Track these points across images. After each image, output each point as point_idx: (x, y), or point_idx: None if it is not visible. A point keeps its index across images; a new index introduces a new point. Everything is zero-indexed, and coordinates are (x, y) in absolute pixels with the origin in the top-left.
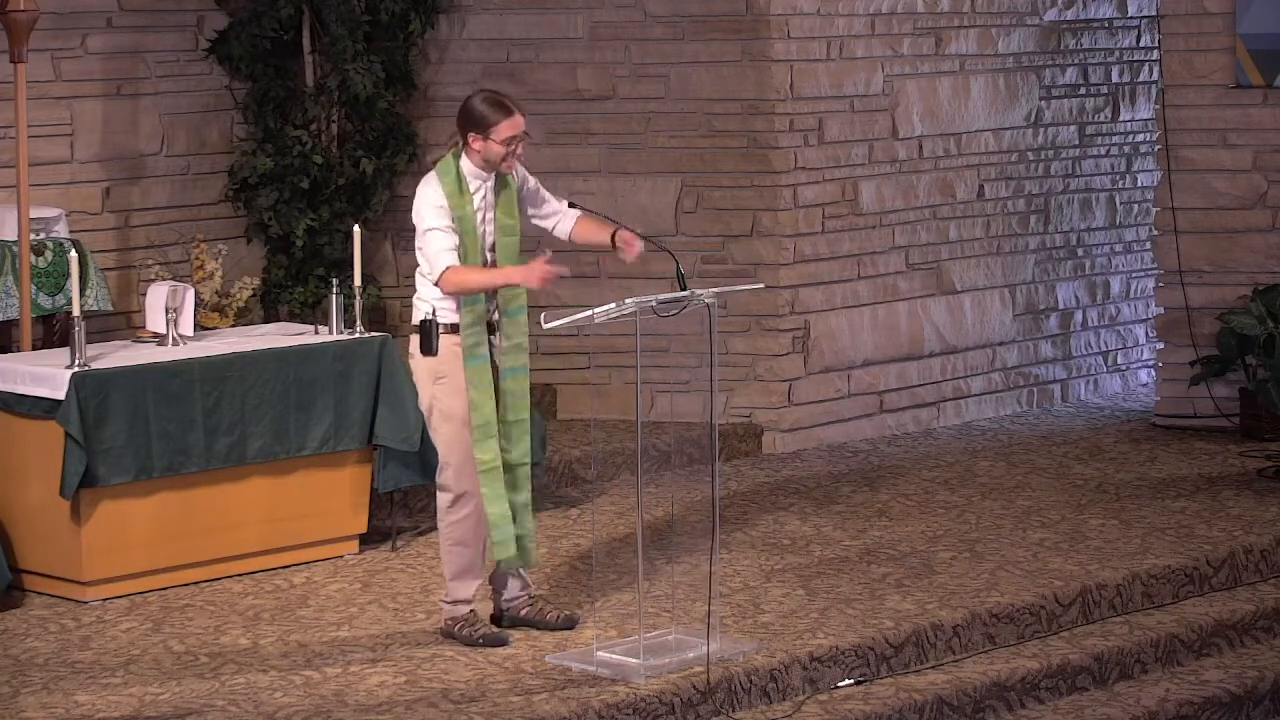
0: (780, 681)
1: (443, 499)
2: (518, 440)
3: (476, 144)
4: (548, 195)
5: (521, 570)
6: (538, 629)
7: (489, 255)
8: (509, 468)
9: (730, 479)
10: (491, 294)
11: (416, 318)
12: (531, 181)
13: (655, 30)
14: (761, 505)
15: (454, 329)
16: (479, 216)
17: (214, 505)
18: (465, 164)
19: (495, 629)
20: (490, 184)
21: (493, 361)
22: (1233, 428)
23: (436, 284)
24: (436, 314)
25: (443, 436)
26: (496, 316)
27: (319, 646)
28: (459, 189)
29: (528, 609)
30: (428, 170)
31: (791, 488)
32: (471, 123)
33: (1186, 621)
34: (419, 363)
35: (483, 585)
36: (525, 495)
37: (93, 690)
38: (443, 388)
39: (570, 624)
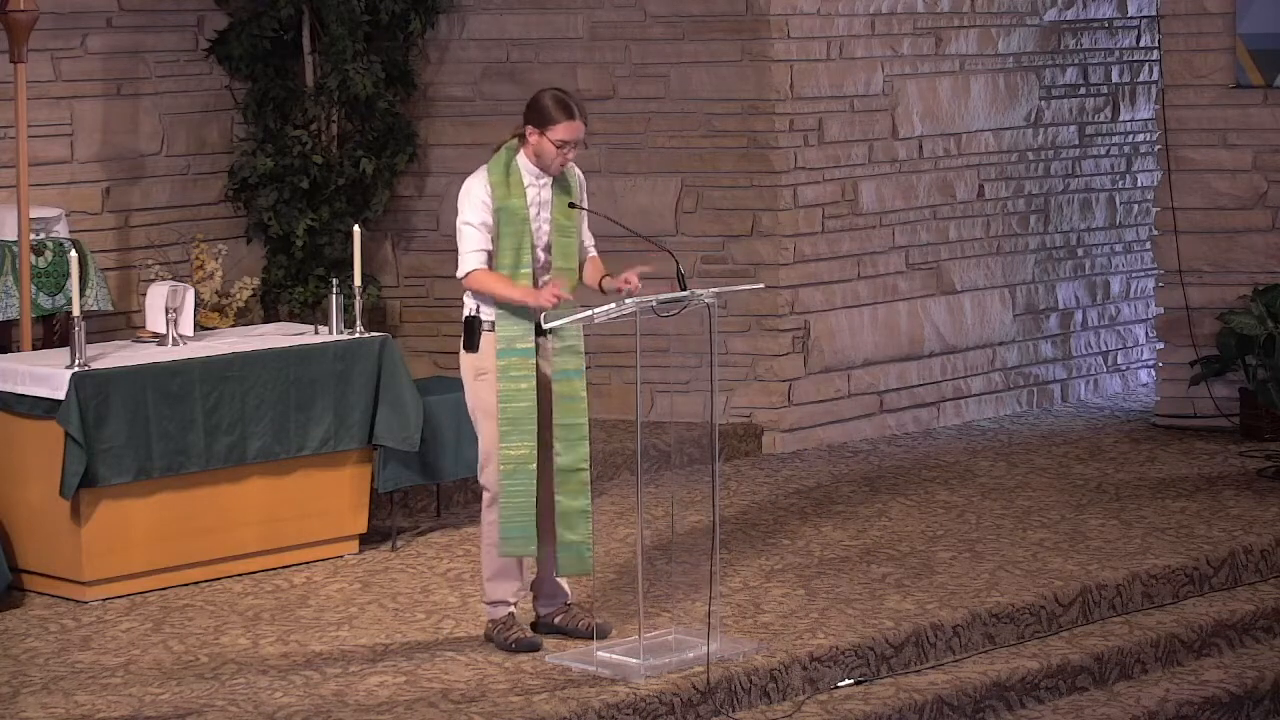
0: (780, 681)
1: (484, 498)
2: (573, 445)
3: (533, 137)
4: (586, 229)
5: (560, 579)
6: (570, 637)
7: (543, 254)
8: (565, 472)
9: (730, 479)
10: None
11: (463, 314)
12: (586, 203)
13: (655, 30)
14: (761, 505)
15: (496, 328)
16: (532, 212)
17: (214, 505)
18: (521, 159)
19: (530, 634)
20: (546, 182)
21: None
22: (1233, 428)
23: (462, 281)
24: (480, 311)
25: (483, 434)
26: (542, 317)
27: (319, 646)
28: (506, 181)
29: (562, 616)
30: (428, 170)
31: (791, 488)
32: (534, 116)
33: (1186, 621)
34: (463, 359)
35: (522, 589)
36: (583, 501)
37: (93, 690)
38: (483, 384)
39: (602, 634)
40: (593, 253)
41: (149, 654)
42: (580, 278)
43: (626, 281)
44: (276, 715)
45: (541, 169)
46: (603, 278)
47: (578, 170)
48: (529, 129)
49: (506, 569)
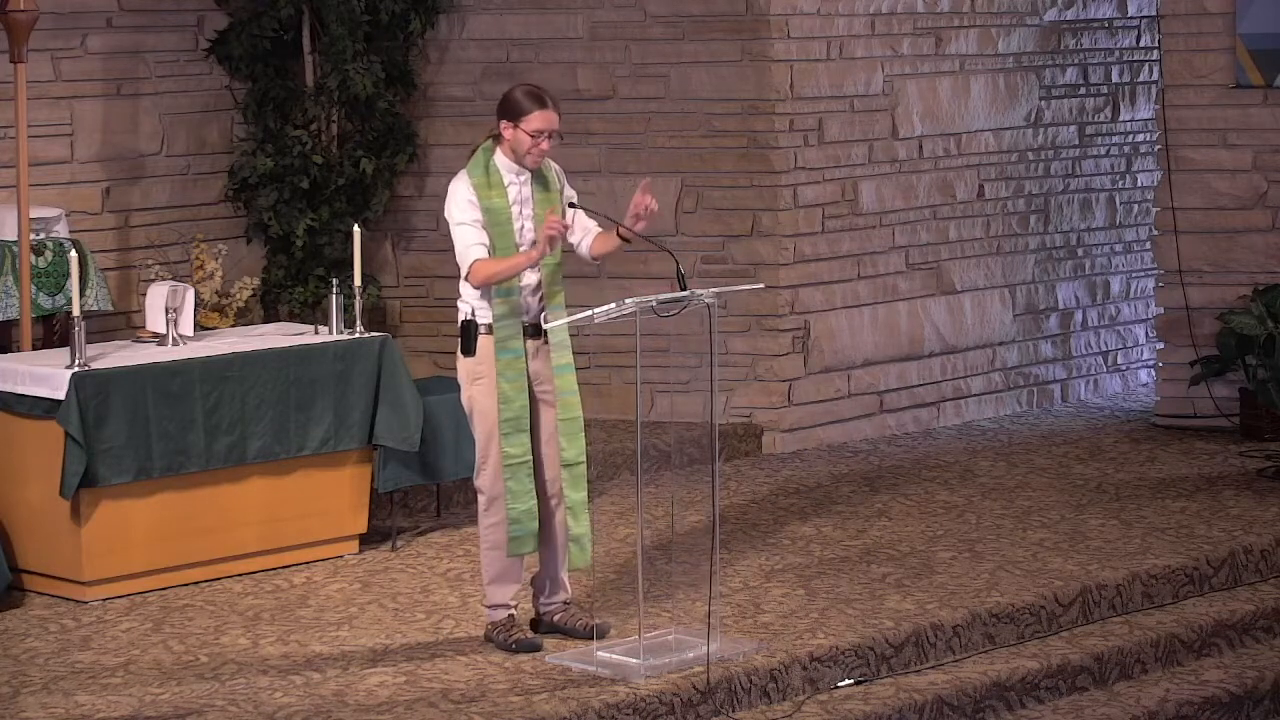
0: (780, 681)
1: (480, 501)
2: (572, 438)
3: (507, 131)
4: (584, 216)
5: (563, 576)
6: (570, 636)
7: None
8: (568, 466)
9: (730, 479)
10: (535, 292)
11: (459, 319)
12: (570, 190)
13: (655, 30)
14: (761, 505)
15: (493, 329)
16: (515, 210)
17: (214, 505)
18: (499, 157)
19: (530, 634)
20: (525, 179)
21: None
22: (1233, 428)
23: (466, 278)
24: (476, 314)
25: (480, 437)
26: (544, 317)
27: (319, 646)
28: (488, 181)
29: (561, 615)
30: (428, 170)
31: (791, 488)
32: (506, 110)
33: (1186, 621)
34: (459, 363)
35: (523, 589)
36: (582, 494)
37: (93, 690)
38: (480, 388)
39: (601, 634)
40: (598, 230)
41: (149, 654)
42: (591, 252)
43: (637, 216)
44: (276, 715)
45: (518, 163)
46: (617, 228)
47: (554, 163)
48: (503, 123)
49: (507, 572)
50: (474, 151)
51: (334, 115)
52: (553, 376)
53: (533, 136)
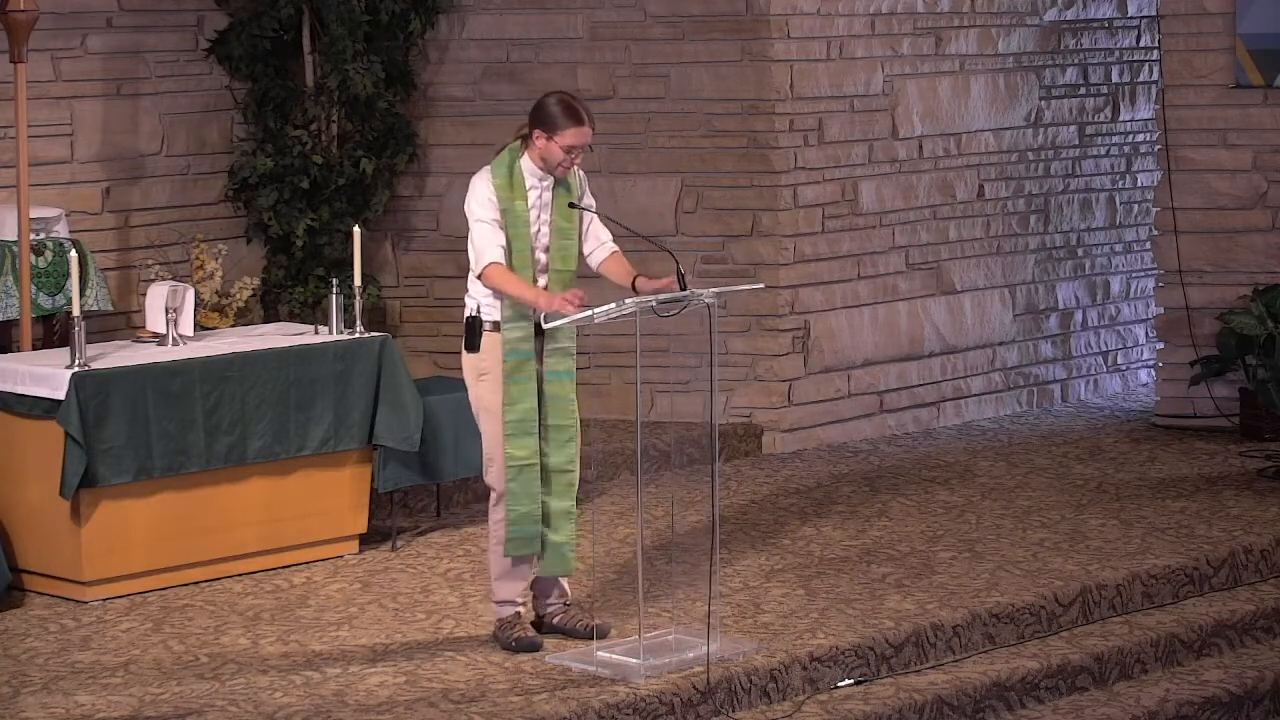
0: (780, 681)
1: (491, 497)
2: (562, 446)
3: (540, 141)
4: (599, 224)
5: (561, 578)
6: (570, 637)
7: (542, 256)
8: (552, 472)
9: (730, 479)
10: None
11: (465, 314)
12: (589, 199)
13: (655, 30)
14: (761, 505)
15: (498, 326)
16: (533, 214)
17: (214, 505)
18: (525, 161)
19: (531, 633)
20: (549, 184)
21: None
22: (1233, 428)
23: (479, 276)
24: (481, 311)
25: (486, 434)
26: (543, 317)
27: (319, 646)
28: (510, 183)
29: (561, 615)
30: (428, 170)
31: (791, 488)
32: (541, 121)
33: (1186, 621)
34: (464, 360)
35: (529, 588)
36: (569, 503)
37: (93, 690)
38: (485, 385)
39: (601, 634)
40: (614, 247)
41: (149, 654)
42: (595, 269)
43: (658, 289)
44: (276, 715)
45: (546, 172)
46: (636, 277)
47: (578, 169)
48: (536, 133)
49: (514, 569)
50: (500, 150)
51: (334, 115)
52: (544, 378)
53: (566, 151)
